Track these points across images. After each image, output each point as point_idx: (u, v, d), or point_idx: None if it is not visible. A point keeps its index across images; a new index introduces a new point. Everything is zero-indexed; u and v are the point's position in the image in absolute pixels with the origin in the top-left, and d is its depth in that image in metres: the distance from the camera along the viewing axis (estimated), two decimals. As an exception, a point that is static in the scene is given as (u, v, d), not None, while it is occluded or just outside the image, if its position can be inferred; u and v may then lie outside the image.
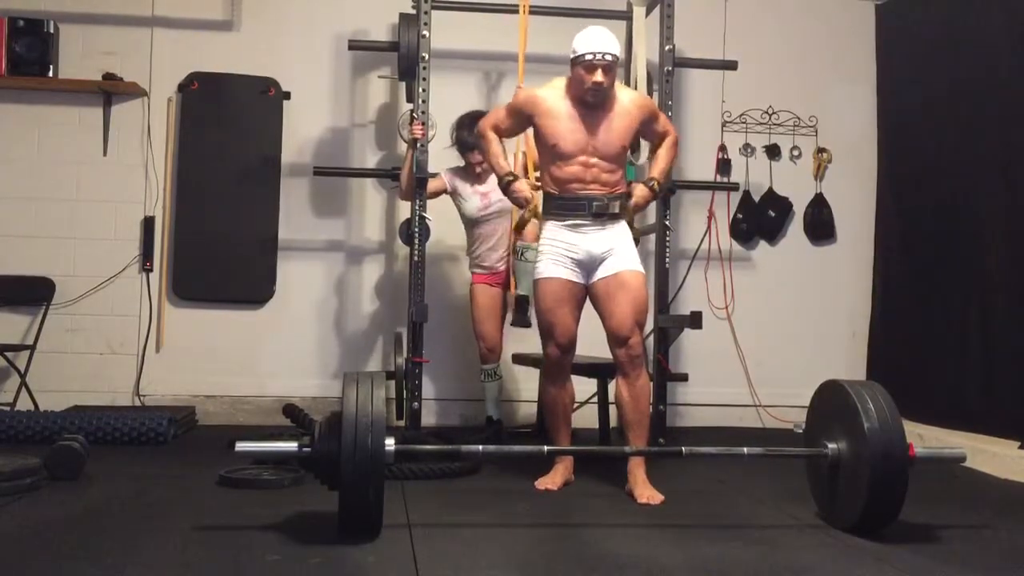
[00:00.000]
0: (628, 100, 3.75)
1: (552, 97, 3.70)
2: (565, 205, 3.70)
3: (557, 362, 3.78)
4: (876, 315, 5.93)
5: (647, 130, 3.87)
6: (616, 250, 3.69)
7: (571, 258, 3.70)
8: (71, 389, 5.29)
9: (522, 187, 3.77)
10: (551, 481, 3.77)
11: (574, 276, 3.71)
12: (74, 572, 2.60)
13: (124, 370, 5.46)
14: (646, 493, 3.56)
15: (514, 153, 4.76)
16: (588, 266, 3.70)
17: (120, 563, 2.65)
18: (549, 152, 3.71)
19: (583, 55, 3.53)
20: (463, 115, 4.88)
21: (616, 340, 3.69)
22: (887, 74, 5.94)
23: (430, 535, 3.03)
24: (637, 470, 3.66)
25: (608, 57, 3.53)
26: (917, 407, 4.73)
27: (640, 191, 3.74)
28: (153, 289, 5.50)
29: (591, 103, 3.63)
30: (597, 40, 3.55)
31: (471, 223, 4.95)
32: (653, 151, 3.95)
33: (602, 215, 3.67)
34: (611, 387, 4.05)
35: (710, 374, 5.69)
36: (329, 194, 5.62)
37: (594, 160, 3.66)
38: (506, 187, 3.77)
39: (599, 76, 3.54)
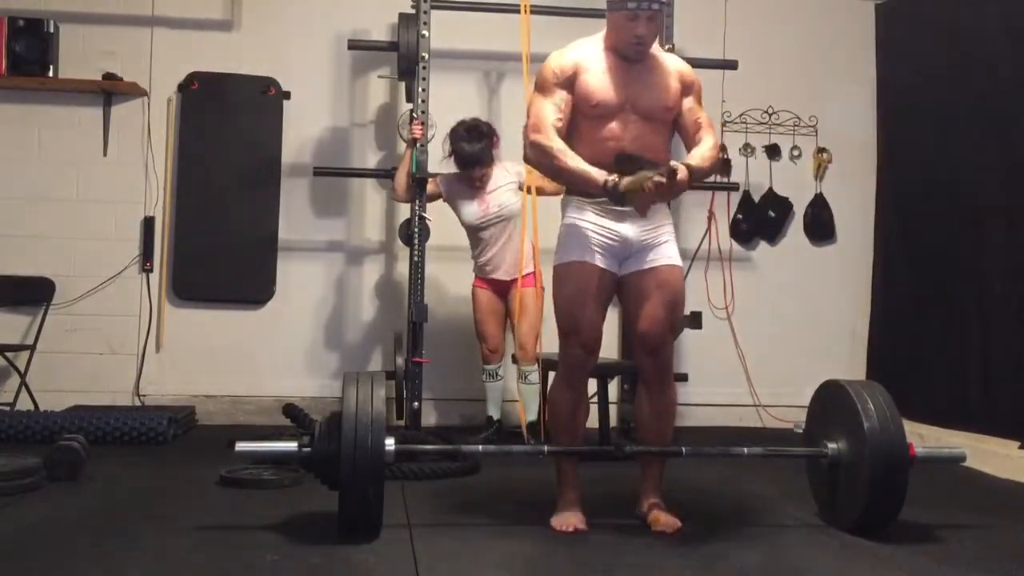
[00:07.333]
0: (671, 64, 3.23)
1: (588, 53, 3.16)
2: None
3: (580, 364, 3.23)
4: (876, 315, 5.93)
5: (681, 109, 3.22)
6: (655, 239, 3.18)
7: (603, 242, 3.15)
8: (71, 389, 5.28)
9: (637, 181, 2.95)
10: (566, 523, 3.17)
11: (604, 263, 3.15)
12: (74, 572, 2.60)
13: (124, 370, 5.46)
14: (662, 518, 3.17)
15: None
16: (621, 253, 3.16)
17: (120, 563, 2.65)
18: (585, 114, 3.14)
19: (624, 1, 3.00)
20: (458, 124, 4.75)
21: (645, 346, 3.20)
22: (887, 74, 5.94)
23: (430, 535, 3.03)
24: (653, 494, 3.26)
25: (654, 6, 3.00)
26: (917, 407, 4.72)
27: (684, 172, 2.98)
28: (153, 289, 5.50)
29: (631, 57, 3.12)
30: None
31: (472, 229, 4.87)
32: (688, 147, 3.26)
33: None
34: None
35: (710, 374, 5.69)
36: (329, 194, 5.62)
37: (634, 117, 3.11)
38: (613, 190, 2.99)
39: (641, 28, 3.03)
